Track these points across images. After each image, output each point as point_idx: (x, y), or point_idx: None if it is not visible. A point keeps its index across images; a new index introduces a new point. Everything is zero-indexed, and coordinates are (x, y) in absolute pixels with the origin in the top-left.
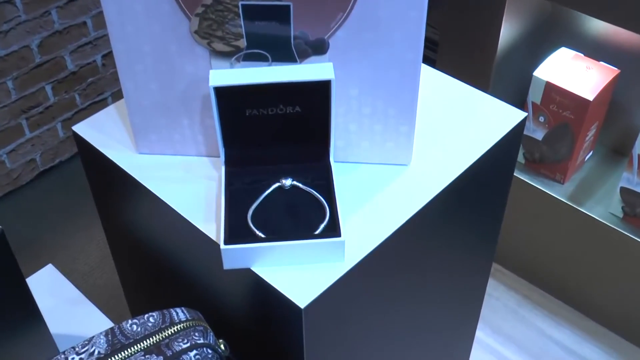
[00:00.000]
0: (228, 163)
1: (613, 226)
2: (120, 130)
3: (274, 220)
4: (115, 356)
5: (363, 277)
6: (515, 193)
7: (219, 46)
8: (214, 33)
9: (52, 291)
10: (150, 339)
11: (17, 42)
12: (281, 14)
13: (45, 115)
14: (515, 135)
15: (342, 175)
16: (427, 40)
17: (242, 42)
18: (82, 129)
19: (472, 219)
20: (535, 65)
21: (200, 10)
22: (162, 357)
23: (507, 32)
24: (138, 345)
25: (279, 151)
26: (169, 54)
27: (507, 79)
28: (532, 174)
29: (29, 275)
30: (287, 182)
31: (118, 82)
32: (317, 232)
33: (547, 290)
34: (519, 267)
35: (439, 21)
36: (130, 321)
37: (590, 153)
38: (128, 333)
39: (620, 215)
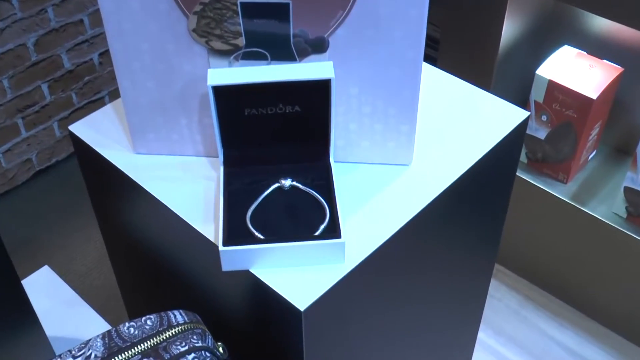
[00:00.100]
0: (227, 163)
1: (616, 226)
2: (117, 130)
3: (274, 221)
4: None
5: (363, 278)
6: (517, 193)
7: (218, 45)
8: (213, 31)
9: (48, 293)
10: (148, 342)
11: (13, 40)
12: (280, 12)
13: (42, 115)
14: (518, 135)
15: (342, 176)
16: (428, 38)
17: (241, 41)
18: (78, 128)
19: (474, 219)
20: (537, 64)
21: (198, 8)
22: None
23: (509, 29)
24: (135, 348)
25: (278, 151)
26: (167, 52)
27: (509, 78)
28: (534, 173)
29: (25, 276)
30: (287, 182)
31: (115, 81)
32: (316, 233)
33: (549, 291)
34: (521, 267)
35: (440, 19)
36: (127, 324)
37: (594, 152)
38: (125, 336)
39: (624, 215)
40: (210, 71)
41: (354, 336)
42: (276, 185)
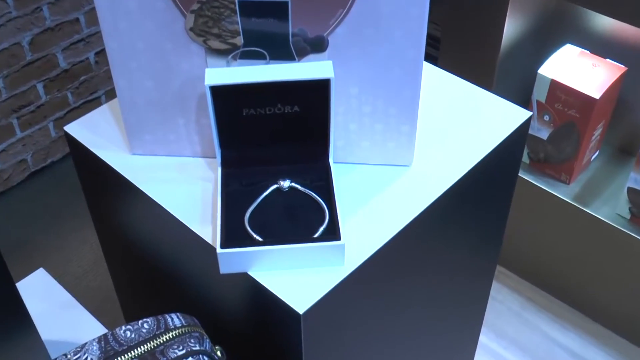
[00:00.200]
0: (224, 164)
1: (620, 227)
2: (114, 130)
3: (272, 223)
4: None
5: (363, 281)
6: (519, 194)
7: (215, 44)
8: (210, 30)
9: (43, 296)
10: (145, 345)
11: (8, 39)
12: (279, 11)
13: (37, 115)
14: (520, 135)
15: (342, 176)
16: (429, 37)
17: (239, 40)
18: (74, 129)
19: (476, 220)
20: (540, 63)
21: (195, 6)
22: None
23: (511, 28)
24: (132, 352)
25: (277, 152)
26: (164, 51)
27: (511, 77)
28: (536, 174)
29: (20, 279)
30: (285, 183)
31: (111, 81)
32: (316, 235)
33: (551, 292)
34: (523, 269)
35: (441, 17)
36: (123, 327)
37: (597, 153)
38: (122, 340)
39: (628, 216)
40: (207, 71)
41: (353, 339)
42: (275, 186)
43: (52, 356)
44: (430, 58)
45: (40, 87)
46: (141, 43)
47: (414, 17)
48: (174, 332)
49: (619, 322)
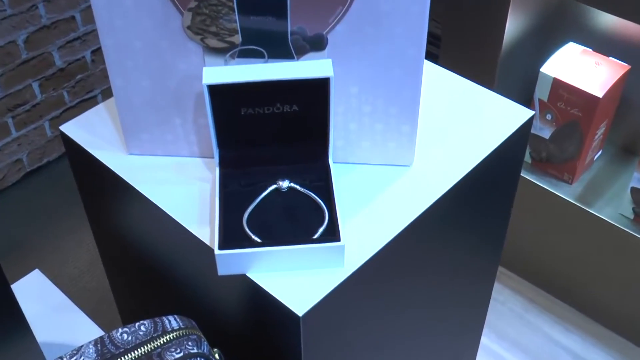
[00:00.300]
0: (222, 164)
1: (623, 228)
2: (110, 130)
3: (271, 224)
4: None
5: (363, 283)
6: (521, 194)
7: (213, 42)
8: (208, 28)
9: (39, 297)
10: (142, 348)
11: (3, 37)
12: (278, 9)
13: (32, 114)
14: (522, 135)
15: (342, 177)
16: (430, 35)
17: (237, 38)
18: (69, 128)
19: (477, 221)
20: (542, 61)
21: (193, 4)
22: None
23: (513, 26)
24: (129, 355)
25: (276, 152)
26: (161, 50)
27: (513, 76)
28: (539, 174)
29: (15, 280)
30: (284, 184)
31: (108, 79)
32: (315, 236)
33: (554, 294)
34: (525, 270)
35: (441, 15)
36: (120, 330)
37: (600, 152)
38: (118, 342)
39: (631, 216)
40: (205, 69)
41: (353, 342)
42: (273, 186)
43: (48, 359)
44: (430, 56)
45: (35, 85)
46: (138, 41)
47: (415, 14)
48: (172, 334)
49: (622, 323)
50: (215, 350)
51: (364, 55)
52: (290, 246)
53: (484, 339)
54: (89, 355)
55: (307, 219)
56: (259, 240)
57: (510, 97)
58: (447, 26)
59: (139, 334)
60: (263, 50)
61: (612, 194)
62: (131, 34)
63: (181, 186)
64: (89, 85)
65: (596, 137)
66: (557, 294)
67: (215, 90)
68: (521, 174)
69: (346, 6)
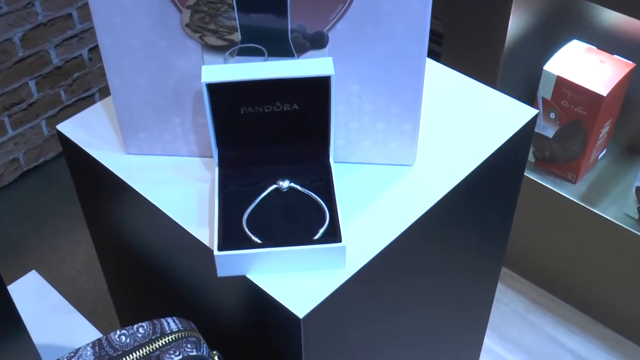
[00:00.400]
0: (222, 164)
1: (628, 228)
2: (108, 129)
3: (271, 224)
4: None
5: (365, 284)
6: (524, 193)
7: (212, 40)
8: (207, 26)
9: (36, 299)
10: (140, 350)
11: None
12: (278, 6)
13: (29, 112)
14: (526, 134)
15: (343, 177)
16: (432, 32)
17: (237, 36)
18: (66, 127)
19: (480, 221)
20: (545, 59)
21: (191, 1)
22: None
23: (516, 23)
24: (127, 357)
25: (276, 151)
26: (159, 48)
27: (516, 74)
28: (542, 173)
29: (11, 281)
30: (285, 183)
31: (105, 78)
32: (316, 237)
33: (557, 295)
34: (528, 270)
35: (443, 12)
36: (118, 332)
37: (604, 151)
38: (116, 344)
39: (636, 216)
40: (204, 68)
41: (354, 343)
42: (273, 186)
43: None
44: (432, 54)
45: (32, 84)
46: (136, 39)
47: (416, 12)
48: (170, 336)
49: (626, 324)
50: (214, 352)
51: (364, 54)
52: (290, 247)
53: (487, 340)
54: (87, 358)
55: (307, 219)
56: (259, 241)
57: (513, 96)
58: (449, 24)
59: (138, 336)
60: (263, 48)
61: (617, 193)
62: (129, 32)
63: (180, 186)
64: (86, 83)
65: (600, 135)
66: (561, 295)
67: (215, 89)
68: (524, 174)
69: (347, 4)
